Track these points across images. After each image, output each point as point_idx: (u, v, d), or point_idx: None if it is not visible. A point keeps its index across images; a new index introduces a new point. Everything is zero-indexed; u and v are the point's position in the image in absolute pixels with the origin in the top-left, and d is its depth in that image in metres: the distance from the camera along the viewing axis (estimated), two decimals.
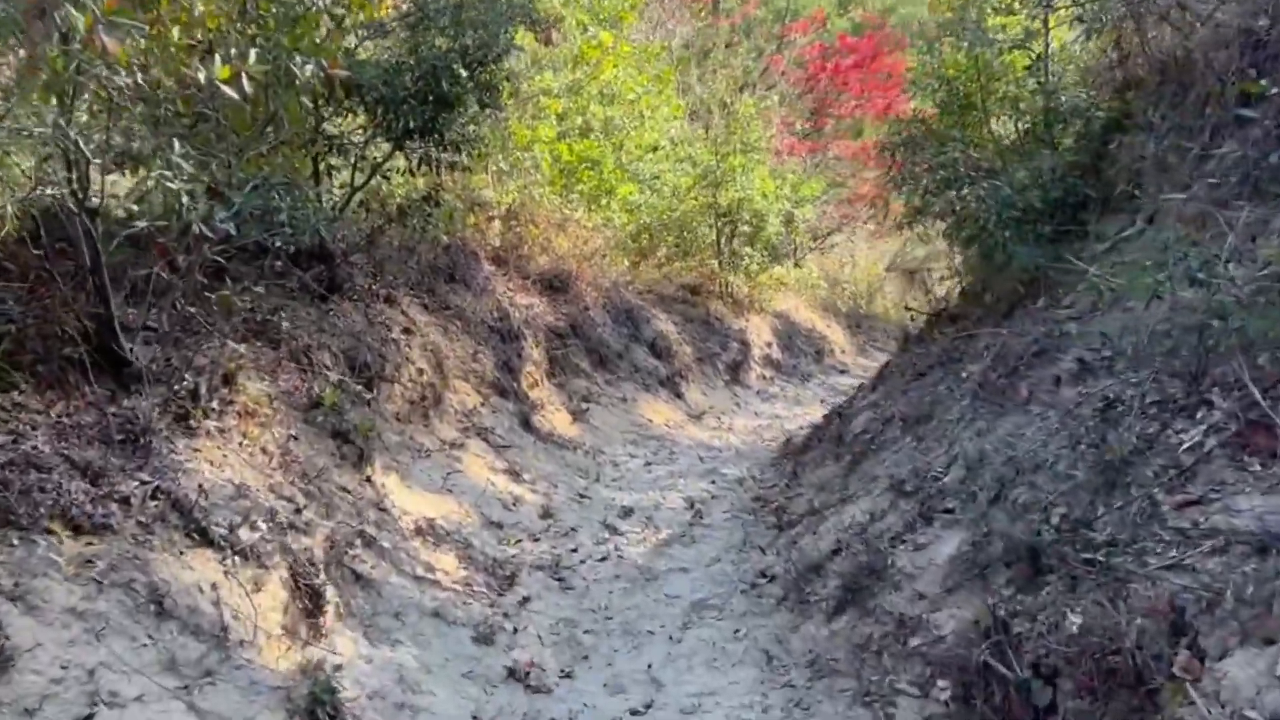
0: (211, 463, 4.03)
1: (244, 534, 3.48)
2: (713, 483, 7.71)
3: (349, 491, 5.10)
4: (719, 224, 13.97)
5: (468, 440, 7.15)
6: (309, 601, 3.78)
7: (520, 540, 6.04)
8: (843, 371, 15.21)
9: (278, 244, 5.01)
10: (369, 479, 5.47)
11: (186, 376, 4.02)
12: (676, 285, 13.40)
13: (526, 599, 5.17)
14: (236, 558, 3.43)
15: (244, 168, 4.09)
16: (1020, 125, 6.29)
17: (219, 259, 4.72)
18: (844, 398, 12.67)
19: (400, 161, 7.54)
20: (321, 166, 7.32)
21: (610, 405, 9.65)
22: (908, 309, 8.03)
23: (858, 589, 4.40)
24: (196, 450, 4.01)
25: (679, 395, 10.86)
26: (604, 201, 13.05)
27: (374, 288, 7.48)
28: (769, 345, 13.93)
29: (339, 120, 7.34)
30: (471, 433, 7.31)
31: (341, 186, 7.80)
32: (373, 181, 8.00)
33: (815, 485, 6.35)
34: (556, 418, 8.65)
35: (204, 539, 3.40)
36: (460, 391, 7.66)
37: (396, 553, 4.99)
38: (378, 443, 6.02)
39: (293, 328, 6.08)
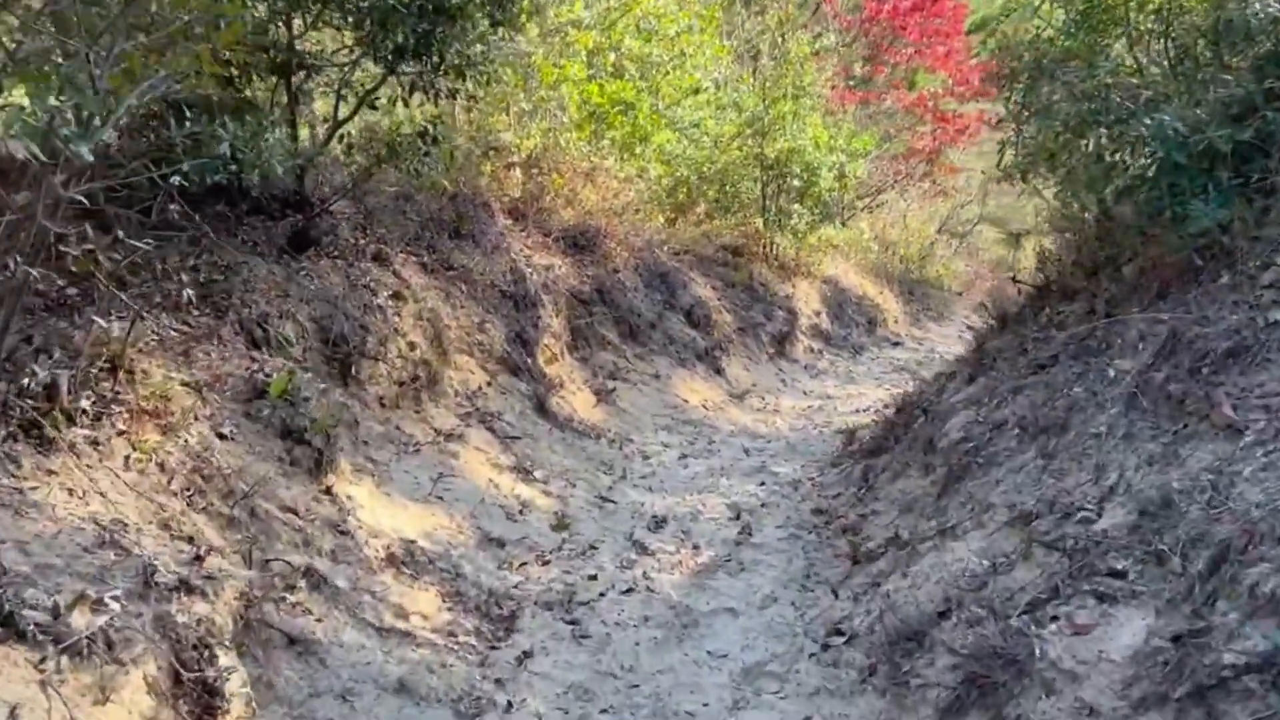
0: (71, 493, 2.82)
1: (77, 619, 2.28)
2: (761, 484, 6.43)
3: (296, 512, 3.88)
4: (765, 178, 12.55)
5: (468, 429, 5.93)
6: (195, 701, 2.58)
7: (525, 564, 4.82)
8: (896, 344, 13.81)
9: (204, 180, 3.75)
10: (328, 490, 4.26)
11: (35, 367, 2.81)
12: (716, 246, 12.04)
13: (527, 654, 3.95)
14: (63, 657, 2.22)
15: (131, 66, 2.82)
16: (1173, 45, 4.85)
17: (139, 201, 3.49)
18: (900, 374, 11.33)
19: (398, 92, 6.25)
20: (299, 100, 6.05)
21: (640, 383, 8.38)
22: (1015, 280, 6.63)
23: (986, 684, 3.13)
24: (48, 474, 2.80)
25: (718, 371, 9.56)
26: (638, 150, 11.69)
27: (361, 243, 6.23)
28: (817, 314, 12.56)
29: (316, 35, 6.05)
30: (474, 419, 6.08)
31: (326, 120, 6.54)
32: (369, 116, 6.74)
33: (897, 503, 5.05)
34: (577, 399, 7.40)
35: (9, 628, 2.20)
36: (462, 369, 6.43)
37: (356, 595, 3.78)
38: (349, 438, 4.80)
39: (246, 292, 4.86)
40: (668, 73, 11.68)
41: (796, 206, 12.57)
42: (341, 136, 6.17)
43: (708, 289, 10.62)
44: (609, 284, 8.94)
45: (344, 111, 6.11)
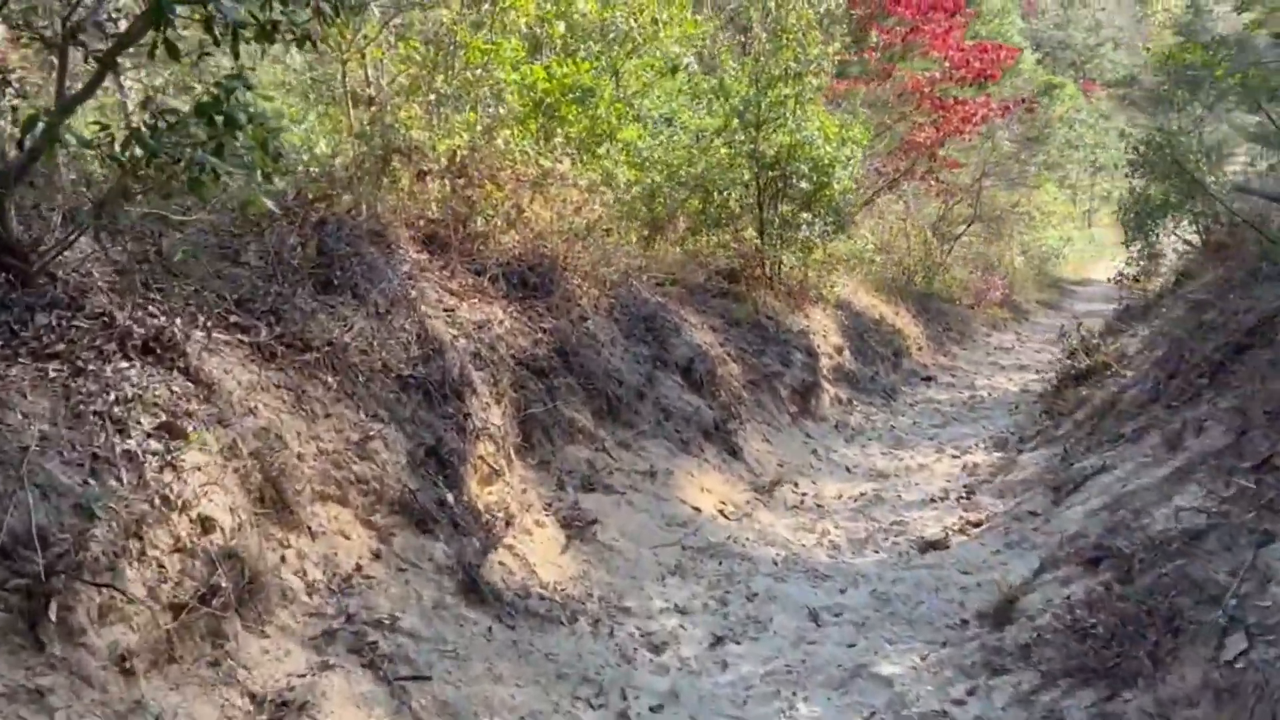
0: None
1: None
2: (871, 716, 3.64)
3: None
4: (761, 181, 9.85)
5: (327, 677, 3.07)
6: None
7: None
8: (927, 379, 11.17)
9: None
10: None
11: None
12: (708, 271, 9.31)
13: None
14: None
15: None
16: None
17: None
18: (952, 428, 8.70)
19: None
20: None
21: (631, 490, 5.58)
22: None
23: None
24: None
25: (734, 452, 6.79)
26: (601, 149, 8.96)
27: (121, 320, 3.35)
28: (839, 351, 9.85)
29: None
30: (339, 648, 3.22)
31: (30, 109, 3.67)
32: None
33: None
34: (536, 544, 4.56)
35: None
36: (324, 537, 3.57)
37: None
38: None
39: None
40: (635, 47, 8.95)
41: (804, 215, 9.89)
42: (75, 130, 3.31)
43: (706, 332, 7.86)
44: (574, 339, 6.14)
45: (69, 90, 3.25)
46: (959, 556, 5.19)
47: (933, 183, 16.79)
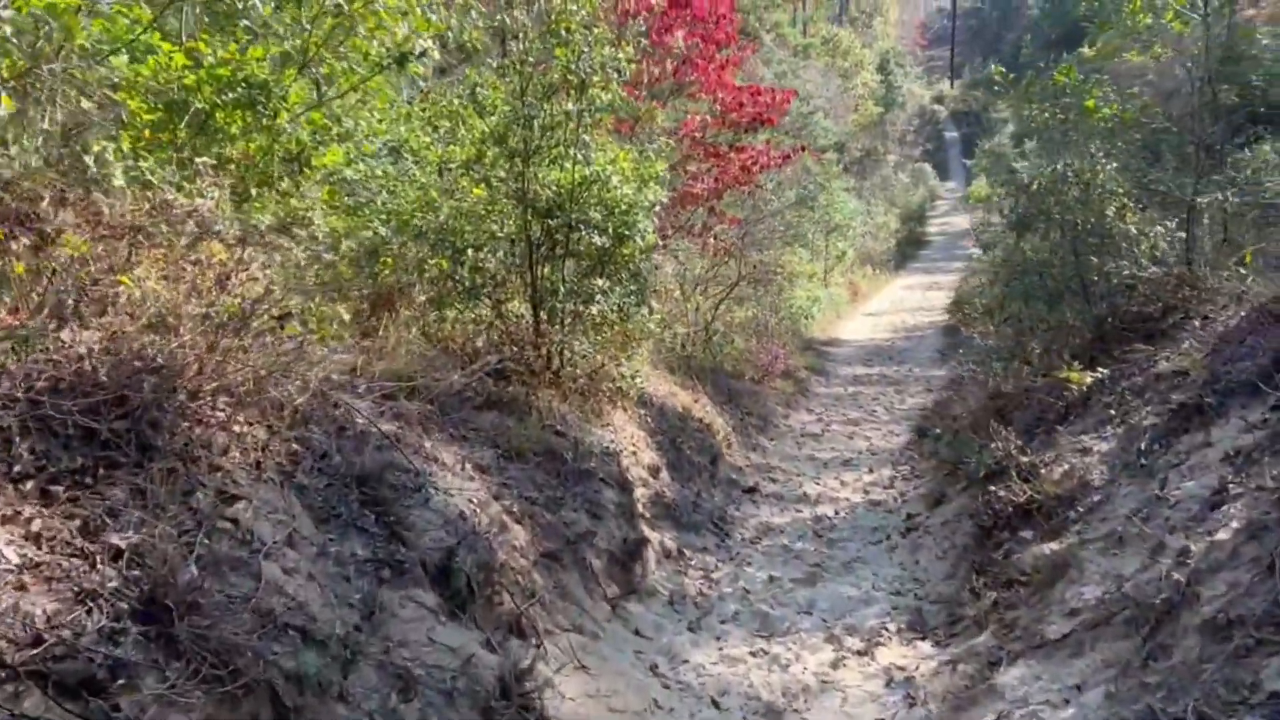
0: None
1: None
2: None
3: None
4: (534, 234, 6.91)
5: None
6: None
7: None
8: (750, 490, 8.59)
9: None
10: None
11: None
12: (464, 363, 6.15)
13: None
14: None
15: None
16: None
17: None
18: (823, 585, 6.06)
19: None
20: None
21: None
22: None
23: None
24: None
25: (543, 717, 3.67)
26: (285, 183, 5.73)
27: None
28: (654, 472, 7.01)
29: None
30: None
31: None
32: None
33: None
34: None
35: None
36: None
37: None
38: None
39: None
40: (344, 23, 5.73)
41: (598, 282, 7.02)
42: None
43: (470, 478, 4.70)
44: (193, 572, 2.79)
45: None
46: None
47: (710, 241, 14.70)
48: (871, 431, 11.76)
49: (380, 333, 5.94)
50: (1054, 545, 4.86)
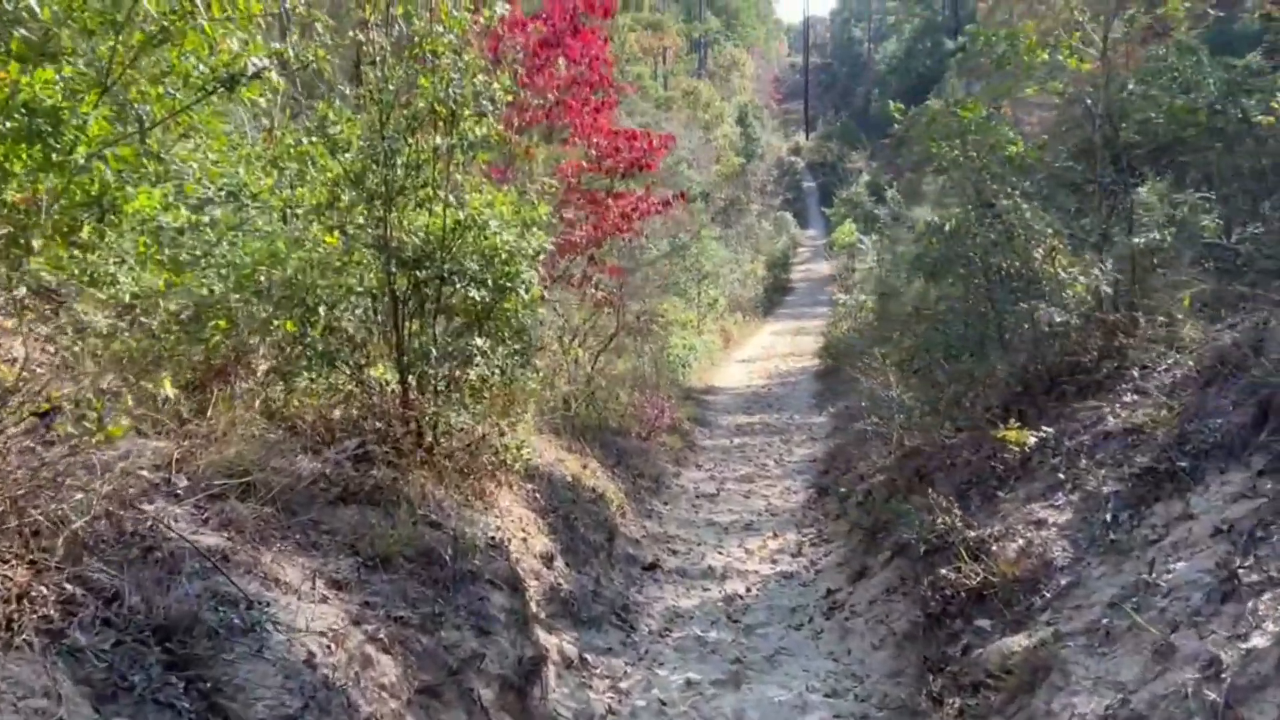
0: None
1: None
2: None
3: None
4: (399, 289, 5.94)
5: None
6: None
7: None
8: (650, 568, 7.72)
9: None
10: None
11: None
12: (313, 444, 5.08)
13: None
14: None
15: None
16: None
17: None
18: (749, 687, 5.19)
19: None
20: None
21: None
22: None
23: None
24: None
25: None
26: (87, 233, 4.61)
27: None
28: (548, 561, 6.06)
29: None
30: None
31: None
32: None
33: None
34: None
35: None
36: None
37: None
38: None
39: None
40: (159, 35, 4.67)
41: (477, 341, 6.08)
42: None
43: (321, 601, 3.67)
44: None
45: None
46: None
47: (590, 291, 13.96)
48: (767, 489, 11.13)
49: (210, 413, 4.82)
50: (1023, 640, 4.20)
